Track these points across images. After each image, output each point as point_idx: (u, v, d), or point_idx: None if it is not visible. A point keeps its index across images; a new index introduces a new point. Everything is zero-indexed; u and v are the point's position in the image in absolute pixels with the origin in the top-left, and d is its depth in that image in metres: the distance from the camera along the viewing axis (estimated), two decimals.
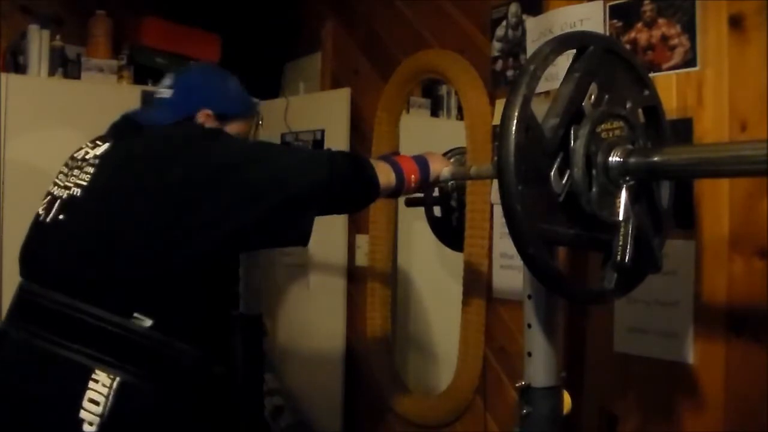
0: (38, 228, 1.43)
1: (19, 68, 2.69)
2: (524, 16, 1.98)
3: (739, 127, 1.48)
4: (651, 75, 1.62)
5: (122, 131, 1.49)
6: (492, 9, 2.09)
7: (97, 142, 1.49)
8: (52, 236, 1.39)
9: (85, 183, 1.37)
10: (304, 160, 1.39)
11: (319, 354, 2.60)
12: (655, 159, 1.16)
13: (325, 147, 2.67)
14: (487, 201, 2.07)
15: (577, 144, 1.14)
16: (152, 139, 1.40)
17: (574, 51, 1.19)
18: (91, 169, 1.38)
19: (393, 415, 2.38)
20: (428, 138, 2.53)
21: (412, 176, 1.52)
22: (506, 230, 1.98)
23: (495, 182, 2.04)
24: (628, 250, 1.15)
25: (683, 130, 1.56)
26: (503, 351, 2.05)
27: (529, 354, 1.30)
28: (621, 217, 1.16)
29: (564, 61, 1.20)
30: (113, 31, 2.88)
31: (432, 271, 2.50)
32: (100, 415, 1.22)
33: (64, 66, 2.73)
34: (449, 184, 1.97)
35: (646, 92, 1.29)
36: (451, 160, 2.10)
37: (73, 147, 2.58)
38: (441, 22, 2.28)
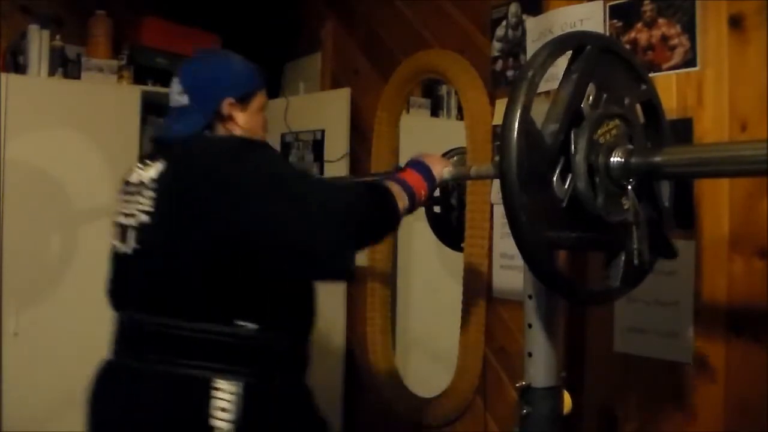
0: (119, 260, 1.48)
1: (19, 68, 2.69)
2: (524, 16, 1.98)
3: (739, 127, 1.48)
4: (651, 75, 1.62)
5: (167, 149, 1.49)
6: (492, 9, 2.09)
7: (147, 162, 1.49)
8: (135, 266, 1.43)
9: (149, 209, 1.40)
10: (338, 189, 1.42)
11: (319, 354, 2.60)
12: (657, 159, 1.16)
13: (325, 147, 2.67)
14: (487, 201, 2.07)
15: (578, 156, 1.13)
16: (201, 157, 1.40)
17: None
18: (151, 194, 1.40)
19: (393, 415, 2.38)
20: (428, 138, 2.53)
21: (422, 191, 1.51)
22: (506, 230, 1.99)
23: (495, 182, 2.04)
24: (645, 249, 1.17)
25: (683, 130, 1.56)
26: (503, 351, 2.05)
27: (529, 354, 1.30)
28: (632, 218, 1.16)
29: (564, 60, 1.20)
30: (113, 31, 2.88)
31: (432, 271, 2.50)
32: (233, 421, 1.29)
33: (64, 66, 2.73)
34: (449, 183, 1.97)
35: (643, 87, 1.29)
36: (452, 159, 2.10)
37: (73, 147, 2.60)
38: (441, 22, 2.28)
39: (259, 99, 1.59)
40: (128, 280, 1.46)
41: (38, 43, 2.67)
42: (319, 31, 2.93)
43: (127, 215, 1.46)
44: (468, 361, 2.12)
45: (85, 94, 2.69)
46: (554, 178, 1.13)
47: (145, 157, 1.54)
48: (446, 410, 2.20)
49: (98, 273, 2.65)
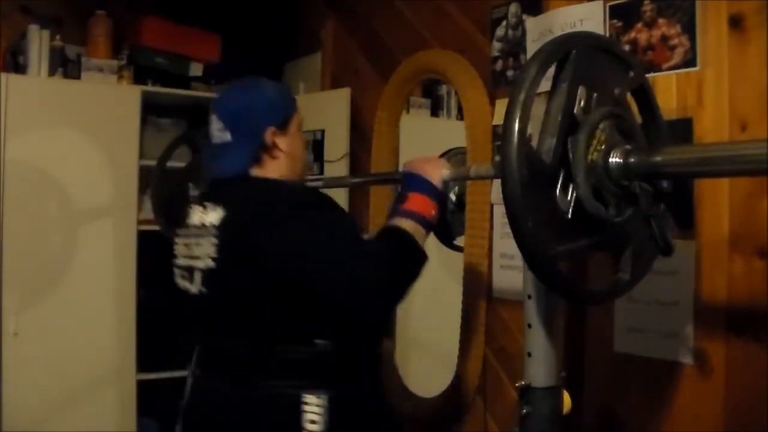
0: (191, 299, 1.55)
1: (19, 68, 2.69)
2: (524, 16, 1.98)
3: (739, 127, 1.48)
4: (651, 75, 1.62)
5: (224, 192, 1.54)
6: (492, 9, 2.09)
7: (206, 205, 1.54)
8: (209, 305, 1.51)
9: (215, 255, 1.47)
10: (378, 255, 1.42)
11: None
12: (656, 159, 1.15)
13: (325, 147, 2.67)
14: (487, 201, 2.07)
15: (578, 166, 1.13)
16: (261, 209, 1.46)
17: None
18: (215, 240, 1.47)
19: (393, 415, 2.38)
20: (428, 138, 2.53)
21: (432, 211, 1.50)
22: (506, 230, 1.99)
23: (495, 182, 2.04)
24: (668, 237, 1.21)
25: (683, 130, 1.56)
26: (503, 351, 2.05)
27: (529, 354, 1.30)
28: (647, 210, 1.19)
29: None
30: (113, 31, 2.88)
31: (432, 271, 2.50)
32: (322, 431, 1.40)
33: (64, 66, 2.73)
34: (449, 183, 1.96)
35: (631, 74, 1.27)
36: (450, 160, 2.10)
37: (73, 147, 2.60)
38: (441, 22, 2.28)
39: (296, 120, 1.63)
40: (205, 317, 1.55)
41: (38, 43, 2.67)
42: (319, 31, 2.93)
43: (190, 257, 1.54)
44: (468, 361, 2.12)
45: (85, 94, 2.69)
46: (557, 193, 1.13)
47: (203, 198, 1.59)
48: (446, 410, 2.20)
49: (98, 273, 2.67)
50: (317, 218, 1.43)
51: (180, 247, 1.60)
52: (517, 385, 1.30)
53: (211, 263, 1.48)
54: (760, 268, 1.44)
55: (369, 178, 2.45)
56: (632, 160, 1.16)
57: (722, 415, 1.49)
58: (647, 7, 1.65)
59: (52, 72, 2.69)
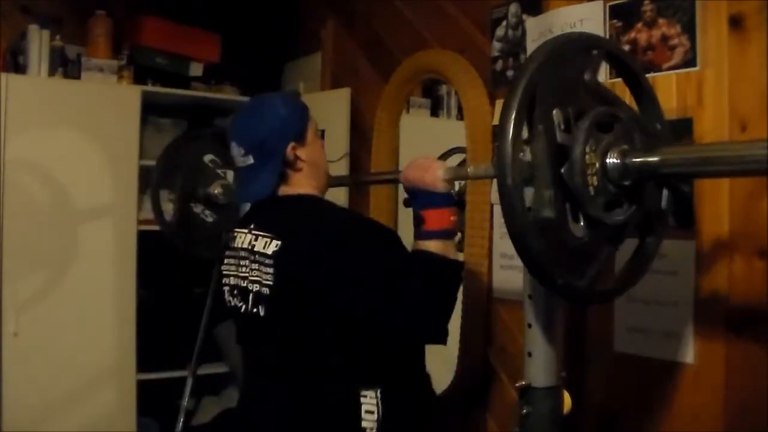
0: (245, 318, 1.63)
1: (19, 68, 2.69)
2: (524, 16, 1.98)
3: (739, 127, 1.48)
4: (651, 75, 1.62)
5: (269, 218, 1.60)
6: (492, 9, 2.09)
7: (254, 231, 1.60)
8: (264, 327, 1.59)
9: (271, 282, 1.53)
10: (426, 283, 1.48)
11: None
12: (655, 159, 1.15)
13: (325, 147, 2.67)
14: (487, 201, 2.07)
15: (587, 208, 1.11)
16: (315, 242, 1.51)
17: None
18: (271, 270, 1.54)
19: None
20: (428, 138, 2.53)
21: (450, 218, 1.53)
22: (506, 230, 1.99)
23: (495, 182, 2.03)
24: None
25: (683, 130, 1.56)
26: (503, 351, 2.05)
27: (529, 354, 1.30)
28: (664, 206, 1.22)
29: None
30: (113, 31, 2.88)
31: None
32: (377, 420, 1.52)
33: (64, 66, 2.73)
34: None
35: (595, 52, 1.19)
36: (447, 159, 2.10)
37: (74, 147, 2.60)
38: (441, 22, 2.28)
39: (312, 127, 1.67)
40: (258, 332, 1.62)
41: (38, 43, 2.67)
42: (319, 31, 2.93)
43: (247, 279, 1.61)
44: (468, 361, 2.12)
45: (85, 94, 2.69)
46: (569, 225, 1.12)
47: (246, 222, 1.66)
48: (446, 410, 2.20)
49: (98, 273, 2.67)
50: (370, 253, 1.50)
51: (230, 267, 1.68)
52: (517, 385, 1.30)
53: (266, 290, 1.54)
54: (760, 268, 1.44)
55: (368, 177, 2.45)
56: (630, 161, 1.14)
57: (722, 415, 1.49)
58: (647, 7, 1.65)
59: (52, 72, 2.69)
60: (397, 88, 2.41)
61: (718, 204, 1.51)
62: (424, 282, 1.46)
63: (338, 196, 2.50)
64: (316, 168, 1.66)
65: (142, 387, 2.77)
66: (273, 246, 1.54)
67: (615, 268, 1.32)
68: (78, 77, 2.74)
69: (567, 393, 1.33)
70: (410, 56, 2.36)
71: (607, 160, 1.13)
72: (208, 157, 2.47)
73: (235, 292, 1.65)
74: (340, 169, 2.58)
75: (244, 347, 1.72)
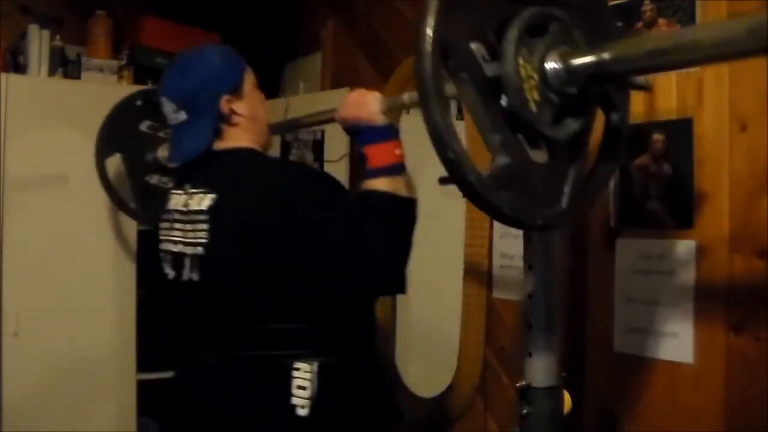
0: (179, 287, 1.54)
1: (19, 68, 2.69)
2: None
3: (739, 127, 1.48)
4: (650, 75, 1.62)
5: (204, 174, 1.51)
6: None
7: (188, 189, 1.52)
8: (198, 292, 1.50)
9: (204, 240, 1.45)
10: (376, 220, 1.41)
11: None
12: (601, 57, 0.97)
13: (325, 147, 2.67)
14: None
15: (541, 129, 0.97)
16: (256, 191, 1.43)
17: None
18: (204, 226, 1.45)
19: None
20: (428, 138, 2.53)
21: (395, 152, 1.46)
22: (506, 230, 1.99)
23: None
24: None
25: (683, 129, 1.56)
26: (503, 351, 2.05)
27: (529, 354, 1.30)
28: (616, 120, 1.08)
29: None
30: (113, 31, 2.88)
31: (432, 270, 2.50)
32: (310, 398, 1.40)
33: (64, 66, 2.73)
34: None
35: None
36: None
37: (74, 147, 2.60)
38: None
39: (248, 79, 1.58)
40: (196, 302, 1.53)
41: (38, 43, 2.67)
42: (319, 31, 2.93)
43: (178, 243, 1.51)
44: (468, 361, 2.12)
45: (85, 94, 2.69)
46: (529, 156, 1.00)
47: (181, 182, 1.57)
48: (446, 410, 2.20)
49: (98, 273, 2.66)
50: (317, 200, 1.41)
51: (163, 233, 1.58)
52: (517, 385, 1.30)
53: (200, 250, 1.45)
54: (760, 268, 1.44)
55: (304, 120, 2.33)
56: (573, 62, 0.98)
57: (722, 415, 1.49)
58: (647, 7, 1.65)
59: (52, 72, 2.69)
60: (397, 88, 2.41)
61: (718, 204, 1.51)
62: (376, 223, 1.37)
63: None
64: (255, 122, 1.56)
65: (142, 387, 2.77)
66: (207, 201, 1.45)
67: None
68: (78, 77, 2.74)
69: (567, 393, 1.33)
70: (410, 56, 2.36)
71: (546, 66, 0.98)
72: (144, 125, 2.38)
73: (169, 258, 1.55)
74: (341, 169, 2.58)
75: (178, 322, 1.62)
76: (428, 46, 0.91)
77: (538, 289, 1.29)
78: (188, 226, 1.48)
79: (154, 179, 2.36)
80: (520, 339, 1.34)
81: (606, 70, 0.98)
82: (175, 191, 1.57)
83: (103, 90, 2.74)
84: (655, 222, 1.62)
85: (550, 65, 0.98)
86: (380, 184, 1.42)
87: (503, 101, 0.96)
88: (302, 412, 1.40)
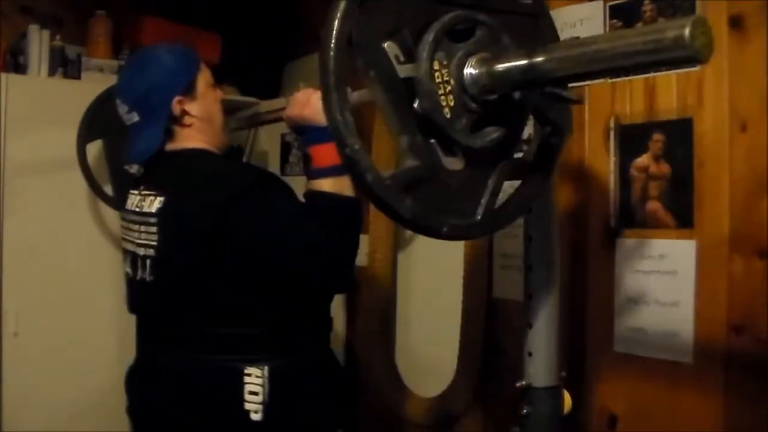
0: (134, 285, 1.56)
1: (19, 68, 2.69)
2: None
3: (739, 127, 1.48)
4: (651, 75, 1.62)
5: (156, 177, 1.52)
6: None
7: (143, 191, 1.53)
8: (150, 293, 1.51)
9: (155, 242, 1.46)
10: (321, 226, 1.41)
11: None
12: (522, 63, 0.92)
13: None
14: None
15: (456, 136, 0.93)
16: (202, 194, 1.43)
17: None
18: (154, 229, 1.46)
19: (393, 415, 2.38)
20: None
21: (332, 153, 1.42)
22: (506, 230, 1.99)
23: None
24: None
25: (683, 129, 1.56)
26: (503, 351, 2.05)
27: (529, 354, 1.30)
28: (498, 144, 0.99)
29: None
30: (113, 31, 2.88)
31: (432, 271, 2.50)
32: (262, 403, 1.40)
33: (64, 66, 2.73)
34: None
35: None
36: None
37: (74, 147, 2.60)
38: None
39: (202, 78, 1.58)
40: (151, 302, 1.54)
41: (38, 43, 2.67)
42: (319, 31, 2.92)
43: (134, 243, 1.52)
44: (468, 361, 2.12)
45: (85, 94, 2.68)
46: (443, 162, 0.97)
47: (138, 183, 1.57)
48: (446, 410, 2.20)
49: (98, 273, 2.67)
50: (266, 201, 1.41)
51: (123, 231, 1.59)
52: (517, 385, 1.30)
53: (151, 252, 1.46)
54: (760, 268, 1.44)
55: (254, 119, 2.27)
56: (494, 68, 0.93)
57: (722, 415, 1.49)
58: (647, 7, 1.65)
59: (52, 72, 2.69)
60: None
61: (718, 204, 1.51)
62: (321, 224, 1.37)
63: None
64: (209, 123, 1.56)
65: None
66: (157, 203, 1.46)
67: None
68: (78, 77, 2.74)
69: (567, 393, 1.33)
70: None
71: (465, 72, 0.94)
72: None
73: (128, 257, 1.56)
74: None
75: (137, 319, 1.63)
76: (333, 40, 0.89)
77: (538, 289, 1.29)
78: (142, 228, 1.49)
79: (132, 168, 2.34)
80: (520, 339, 1.34)
81: (529, 77, 0.93)
82: (132, 191, 1.58)
83: (103, 90, 2.74)
84: (655, 222, 1.62)
85: (469, 71, 0.94)
86: (325, 185, 1.42)
87: (416, 102, 0.93)
88: (256, 417, 1.40)
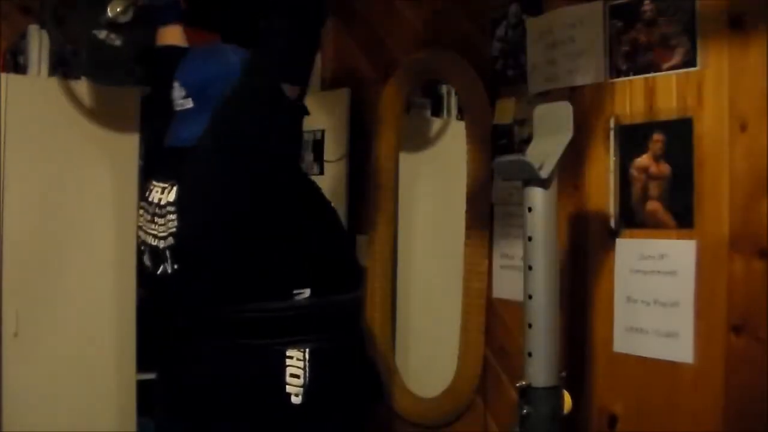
0: (158, 281, 1.55)
1: (19, 68, 2.68)
2: (524, 16, 1.98)
3: (739, 127, 1.48)
4: (651, 75, 1.63)
5: (178, 164, 1.53)
6: (492, 9, 2.09)
7: (164, 183, 1.55)
8: (180, 284, 1.50)
9: (174, 230, 1.47)
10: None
11: None
12: None
13: (325, 147, 2.67)
14: (487, 201, 2.07)
15: None
16: (202, 178, 1.46)
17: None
18: (173, 217, 1.47)
19: (393, 415, 2.38)
20: (428, 138, 2.53)
21: None
22: (506, 230, 1.99)
23: (496, 182, 2.04)
24: None
25: (683, 129, 1.56)
26: (503, 351, 2.05)
27: (529, 354, 1.31)
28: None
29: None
30: None
31: (432, 270, 2.50)
32: (303, 386, 1.40)
33: (65, 66, 2.72)
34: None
35: None
36: None
37: (74, 147, 2.60)
38: (441, 22, 2.28)
39: None
40: (179, 292, 1.53)
41: (38, 43, 2.67)
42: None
43: (153, 236, 1.53)
44: (468, 361, 2.12)
45: (85, 94, 2.68)
46: None
47: (161, 174, 1.59)
48: (446, 410, 2.20)
49: (98, 272, 2.66)
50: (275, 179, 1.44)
51: (142, 222, 1.60)
52: (517, 385, 1.31)
53: (172, 240, 1.47)
54: (760, 268, 1.44)
55: None
56: None
57: (722, 415, 1.49)
58: (647, 7, 1.65)
59: (52, 72, 2.69)
60: (397, 88, 2.41)
61: (718, 204, 1.51)
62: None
63: (337, 194, 2.50)
64: None
65: (142, 387, 2.77)
66: (174, 193, 1.49)
67: None
68: (78, 77, 2.74)
69: (567, 393, 1.33)
70: (410, 56, 2.36)
71: None
72: None
73: (147, 251, 1.57)
74: (340, 169, 2.58)
75: (161, 313, 1.63)
76: None
77: (538, 289, 1.29)
78: (161, 220, 1.51)
79: (101, 35, 2.31)
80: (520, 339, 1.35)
81: None
82: (155, 183, 1.59)
83: (103, 90, 2.73)
84: (655, 222, 1.62)
85: None
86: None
87: None
88: (296, 400, 1.41)
